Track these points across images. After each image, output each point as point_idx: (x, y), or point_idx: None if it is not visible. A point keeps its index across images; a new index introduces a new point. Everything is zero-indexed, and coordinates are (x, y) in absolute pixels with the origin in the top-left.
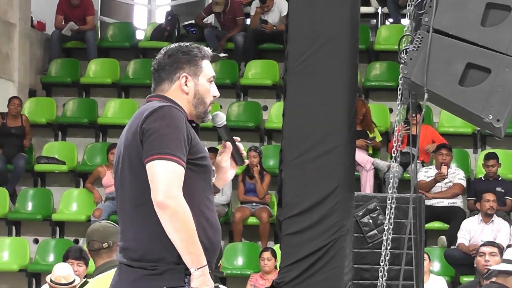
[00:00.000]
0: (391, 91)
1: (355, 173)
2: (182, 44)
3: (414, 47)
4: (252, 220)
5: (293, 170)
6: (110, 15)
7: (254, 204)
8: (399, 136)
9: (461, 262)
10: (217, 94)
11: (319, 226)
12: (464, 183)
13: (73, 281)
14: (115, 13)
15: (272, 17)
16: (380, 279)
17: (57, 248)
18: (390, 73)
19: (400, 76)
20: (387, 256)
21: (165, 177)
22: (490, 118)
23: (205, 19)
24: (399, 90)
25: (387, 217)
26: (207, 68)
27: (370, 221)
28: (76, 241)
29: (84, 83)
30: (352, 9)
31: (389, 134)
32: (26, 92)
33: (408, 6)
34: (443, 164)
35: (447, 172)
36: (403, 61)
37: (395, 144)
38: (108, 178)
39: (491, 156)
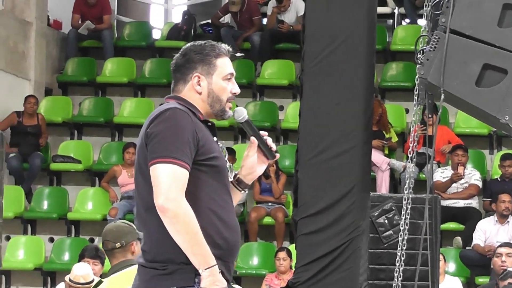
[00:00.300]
0: (407, 91)
1: (371, 174)
2: (196, 42)
3: (431, 47)
4: (267, 220)
5: (309, 170)
6: (127, 14)
7: (269, 204)
8: (415, 136)
9: (476, 263)
10: (237, 90)
11: (335, 226)
12: (480, 184)
13: (92, 281)
14: (132, 12)
15: (289, 17)
16: (396, 280)
17: (73, 247)
18: (406, 73)
19: (417, 76)
20: (403, 256)
21: (165, 180)
22: (507, 119)
23: (222, 19)
24: (416, 91)
25: (403, 218)
26: (223, 66)
27: (386, 221)
28: (92, 240)
29: (100, 82)
30: (369, 10)
31: (405, 134)
32: (42, 91)
33: (425, 7)
34: (459, 164)
35: (464, 172)
36: (419, 62)
37: (411, 145)
38: (124, 177)
39: (507, 157)
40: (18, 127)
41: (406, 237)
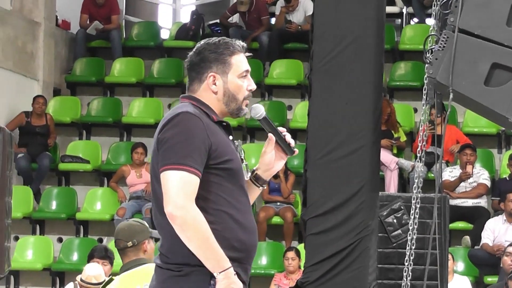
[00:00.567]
0: (416, 91)
1: (380, 173)
2: (210, 41)
3: (440, 47)
4: (276, 219)
5: (318, 169)
6: (135, 14)
7: (278, 203)
8: (424, 136)
9: (485, 262)
10: (253, 87)
11: (344, 226)
12: (488, 183)
13: (103, 281)
14: (140, 12)
15: (297, 17)
16: (405, 279)
17: (81, 247)
18: (415, 73)
19: (426, 76)
20: (412, 256)
21: (173, 188)
22: None
23: (230, 19)
24: (424, 90)
25: (412, 217)
26: (238, 64)
27: (395, 221)
28: (100, 240)
29: (109, 82)
30: (378, 9)
31: (414, 134)
32: (50, 91)
33: (434, 6)
34: (468, 163)
35: (472, 171)
36: (428, 61)
37: (420, 144)
38: (132, 177)
39: None
40: (26, 127)
41: (415, 237)
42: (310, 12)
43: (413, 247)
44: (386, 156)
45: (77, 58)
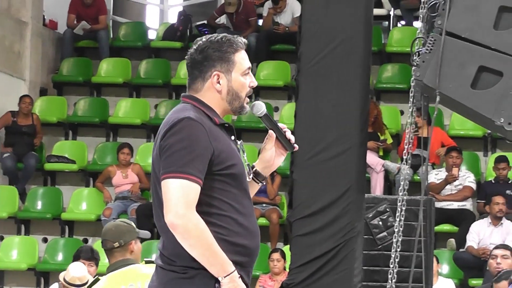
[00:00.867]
0: (402, 93)
1: (366, 175)
2: (213, 38)
3: (427, 49)
4: (262, 221)
5: (305, 171)
6: (123, 14)
7: (264, 205)
8: (410, 138)
9: (470, 265)
10: (255, 83)
11: (330, 227)
12: (474, 186)
13: (87, 282)
14: (128, 12)
15: (285, 18)
16: (390, 281)
17: (66, 248)
18: (402, 75)
19: (412, 78)
20: (397, 258)
21: (173, 196)
22: (502, 121)
23: (218, 20)
24: (411, 93)
25: (397, 219)
26: (241, 61)
27: (380, 223)
28: (85, 241)
29: (96, 83)
30: (366, 11)
31: (400, 136)
32: (37, 90)
33: (421, 9)
34: (454, 166)
35: (458, 174)
36: (415, 64)
37: (406, 146)
38: (118, 177)
39: (502, 159)
40: (13, 127)
41: (400, 239)
42: (297, 14)
43: (399, 249)
44: (372, 158)
45: (64, 58)
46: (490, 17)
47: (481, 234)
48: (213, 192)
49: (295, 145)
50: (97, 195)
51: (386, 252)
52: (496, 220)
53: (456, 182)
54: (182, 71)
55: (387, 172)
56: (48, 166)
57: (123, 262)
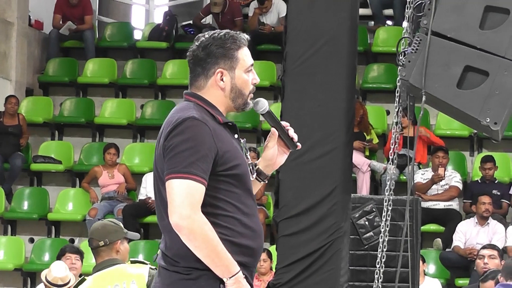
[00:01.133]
0: (388, 93)
1: (352, 175)
2: (216, 34)
3: (413, 49)
4: None
5: (291, 171)
6: (108, 14)
7: None
8: (396, 138)
9: (456, 265)
10: (258, 80)
11: (316, 227)
12: (460, 185)
13: (69, 282)
14: (113, 12)
15: (270, 18)
16: (376, 281)
17: (53, 248)
18: (387, 75)
19: (398, 78)
20: (383, 258)
21: (178, 197)
22: (488, 121)
23: (203, 20)
24: (397, 92)
25: (384, 219)
26: (244, 58)
27: (367, 223)
28: (72, 241)
29: (82, 83)
30: (351, 11)
31: (386, 136)
32: (23, 91)
33: (407, 9)
34: (440, 166)
35: (444, 174)
36: (401, 63)
37: (392, 146)
38: (105, 178)
39: (488, 159)
40: None
41: (386, 239)
42: (283, 14)
43: (385, 249)
44: (358, 158)
45: (50, 58)
46: (476, 17)
47: (468, 234)
48: (217, 193)
49: (298, 143)
50: (83, 195)
51: (372, 252)
52: (483, 220)
53: (443, 182)
54: (168, 71)
55: (373, 172)
56: (34, 166)
57: (109, 262)
